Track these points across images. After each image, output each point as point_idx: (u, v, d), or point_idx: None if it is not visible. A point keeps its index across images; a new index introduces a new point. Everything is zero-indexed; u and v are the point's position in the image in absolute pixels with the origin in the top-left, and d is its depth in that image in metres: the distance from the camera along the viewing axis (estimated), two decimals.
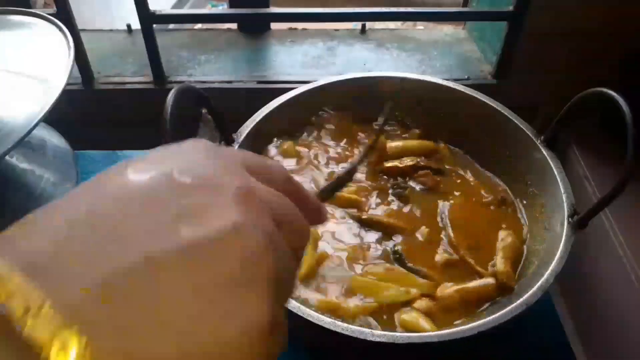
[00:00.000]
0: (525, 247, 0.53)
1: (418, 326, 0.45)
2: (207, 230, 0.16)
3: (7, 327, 0.13)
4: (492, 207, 0.56)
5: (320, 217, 0.24)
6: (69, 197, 0.17)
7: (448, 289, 0.48)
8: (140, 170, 0.17)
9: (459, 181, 0.59)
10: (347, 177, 0.36)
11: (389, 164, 0.59)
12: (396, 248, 0.51)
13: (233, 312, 0.16)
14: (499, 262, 0.49)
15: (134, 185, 0.17)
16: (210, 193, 0.17)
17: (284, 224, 0.19)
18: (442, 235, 0.52)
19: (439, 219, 0.54)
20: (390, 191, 0.57)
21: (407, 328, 0.45)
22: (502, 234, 0.52)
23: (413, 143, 0.62)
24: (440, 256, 0.50)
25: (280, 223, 0.19)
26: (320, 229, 0.53)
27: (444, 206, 0.56)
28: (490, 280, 0.48)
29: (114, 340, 0.14)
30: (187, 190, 0.17)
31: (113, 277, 0.15)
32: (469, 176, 0.60)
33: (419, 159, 0.59)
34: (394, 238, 0.52)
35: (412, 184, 0.58)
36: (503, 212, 0.56)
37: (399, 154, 0.61)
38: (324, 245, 0.51)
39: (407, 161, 0.59)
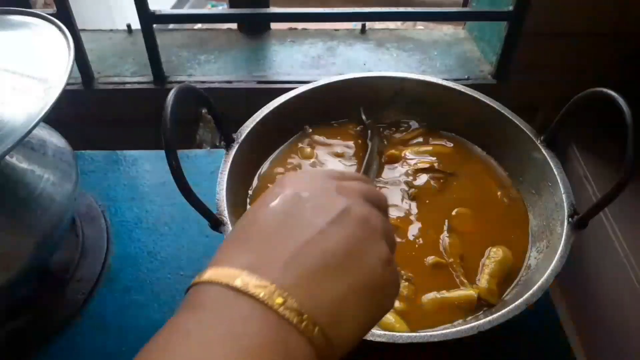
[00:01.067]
0: (526, 260, 0.52)
1: (392, 327, 0.45)
2: (339, 209, 0.26)
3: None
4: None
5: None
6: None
7: (427, 294, 0.48)
8: (295, 191, 0.27)
9: (470, 185, 0.59)
10: None
11: (400, 164, 0.60)
12: None
13: (370, 250, 0.25)
14: (483, 280, 0.49)
15: (298, 197, 0.27)
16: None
17: (376, 204, 0.29)
18: (440, 238, 0.52)
19: (443, 222, 0.54)
20: (400, 188, 0.57)
21: (380, 327, 0.44)
22: (491, 250, 0.51)
23: (429, 149, 0.62)
24: (431, 258, 0.50)
25: (373, 202, 0.29)
26: None
27: (448, 209, 0.55)
28: (471, 293, 0.47)
29: (301, 289, 0.23)
30: (324, 194, 0.27)
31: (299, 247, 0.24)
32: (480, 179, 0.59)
33: (434, 163, 0.59)
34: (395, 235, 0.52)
35: (423, 183, 0.58)
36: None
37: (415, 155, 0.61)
38: None
39: (422, 164, 0.59)
